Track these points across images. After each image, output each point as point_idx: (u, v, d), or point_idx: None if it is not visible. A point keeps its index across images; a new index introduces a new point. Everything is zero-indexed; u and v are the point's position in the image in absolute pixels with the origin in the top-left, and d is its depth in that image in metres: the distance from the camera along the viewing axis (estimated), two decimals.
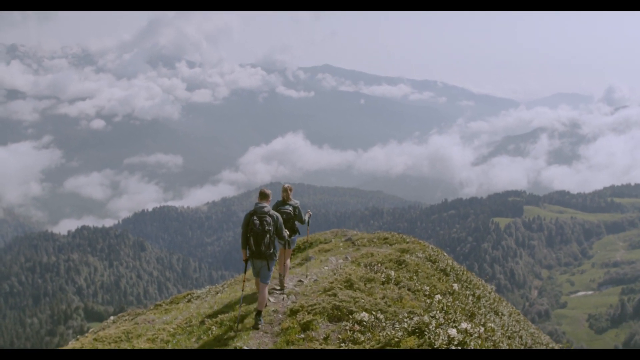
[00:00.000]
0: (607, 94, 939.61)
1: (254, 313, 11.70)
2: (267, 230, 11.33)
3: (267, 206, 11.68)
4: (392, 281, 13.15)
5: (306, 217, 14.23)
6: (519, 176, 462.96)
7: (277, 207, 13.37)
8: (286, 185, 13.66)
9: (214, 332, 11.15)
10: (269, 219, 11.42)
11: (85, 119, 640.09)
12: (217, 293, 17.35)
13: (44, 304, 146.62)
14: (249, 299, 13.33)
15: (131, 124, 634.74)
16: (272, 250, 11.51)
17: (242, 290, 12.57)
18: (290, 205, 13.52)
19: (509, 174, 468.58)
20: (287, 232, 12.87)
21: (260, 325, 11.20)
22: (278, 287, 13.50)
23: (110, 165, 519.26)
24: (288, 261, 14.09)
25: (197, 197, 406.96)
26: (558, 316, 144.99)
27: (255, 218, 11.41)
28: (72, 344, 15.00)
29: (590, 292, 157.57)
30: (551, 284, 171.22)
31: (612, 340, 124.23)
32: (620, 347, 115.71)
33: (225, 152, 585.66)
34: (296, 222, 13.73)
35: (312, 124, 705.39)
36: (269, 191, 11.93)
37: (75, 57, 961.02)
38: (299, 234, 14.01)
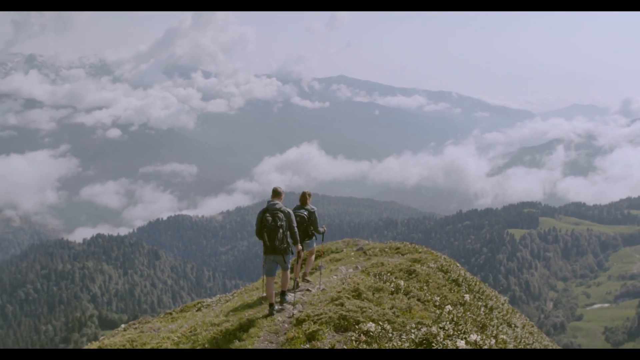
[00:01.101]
0: (624, 105, 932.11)
1: (274, 301, 12.25)
2: (280, 226, 11.77)
3: (279, 203, 12.11)
4: (402, 291, 12.95)
5: (321, 230, 14.46)
6: (535, 187, 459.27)
7: (294, 210, 13.72)
8: (306, 191, 14.24)
9: (218, 341, 11.00)
10: (281, 215, 11.86)
11: (102, 128, 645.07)
12: (227, 302, 17.27)
13: (58, 312, 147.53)
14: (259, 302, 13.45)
15: (147, 134, 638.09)
16: (285, 245, 11.95)
17: (264, 285, 12.76)
18: (306, 209, 13.92)
19: (525, 185, 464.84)
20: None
21: (285, 303, 12.05)
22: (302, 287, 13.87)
23: (126, 174, 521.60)
24: (307, 269, 14.41)
25: (212, 207, 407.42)
26: (574, 329, 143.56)
27: (267, 215, 11.86)
28: None
29: (606, 305, 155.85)
30: (567, 296, 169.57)
31: None
32: None
33: (240, 161, 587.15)
34: (311, 229, 14.11)
35: (326, 134, 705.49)
36: (281, 189, 12.47)
37: (93, 67, 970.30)
38: (315, 238, 14.41)
